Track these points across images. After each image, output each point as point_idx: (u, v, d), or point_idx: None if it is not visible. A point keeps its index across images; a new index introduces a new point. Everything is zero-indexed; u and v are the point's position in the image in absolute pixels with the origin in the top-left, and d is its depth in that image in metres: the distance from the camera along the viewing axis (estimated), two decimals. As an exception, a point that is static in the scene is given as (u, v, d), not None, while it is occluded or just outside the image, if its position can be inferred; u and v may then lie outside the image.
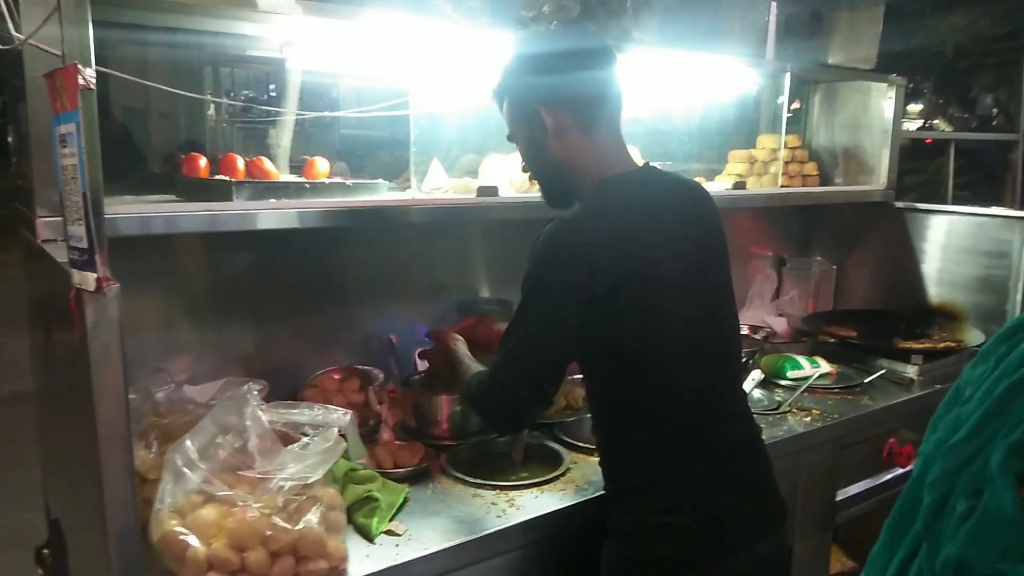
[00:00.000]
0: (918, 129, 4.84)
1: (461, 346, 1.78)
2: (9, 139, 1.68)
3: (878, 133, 2.99)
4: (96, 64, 1.09)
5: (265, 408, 1.46)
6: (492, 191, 2.00)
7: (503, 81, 1.55)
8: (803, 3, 2.76)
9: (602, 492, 1.63)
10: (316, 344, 2.15)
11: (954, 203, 3.38)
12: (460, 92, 2.07)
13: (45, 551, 1.68)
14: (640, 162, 1.59)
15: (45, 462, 1.88)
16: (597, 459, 1.63)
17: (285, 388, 1.95)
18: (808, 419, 2.15)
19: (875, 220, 3.07)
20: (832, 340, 2.72)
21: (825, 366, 2.45)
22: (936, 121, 4.98)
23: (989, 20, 4.57)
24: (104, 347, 1.10)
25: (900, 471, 2.34)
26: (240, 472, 1.36)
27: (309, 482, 1.36)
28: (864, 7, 2.82)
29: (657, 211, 1.48)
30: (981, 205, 2.91)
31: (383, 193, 1.91)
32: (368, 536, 1.47)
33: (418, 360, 2.15)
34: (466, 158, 2.24)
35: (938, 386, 2.43)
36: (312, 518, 1.32)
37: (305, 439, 1.43)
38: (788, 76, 2.65)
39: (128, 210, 1.48)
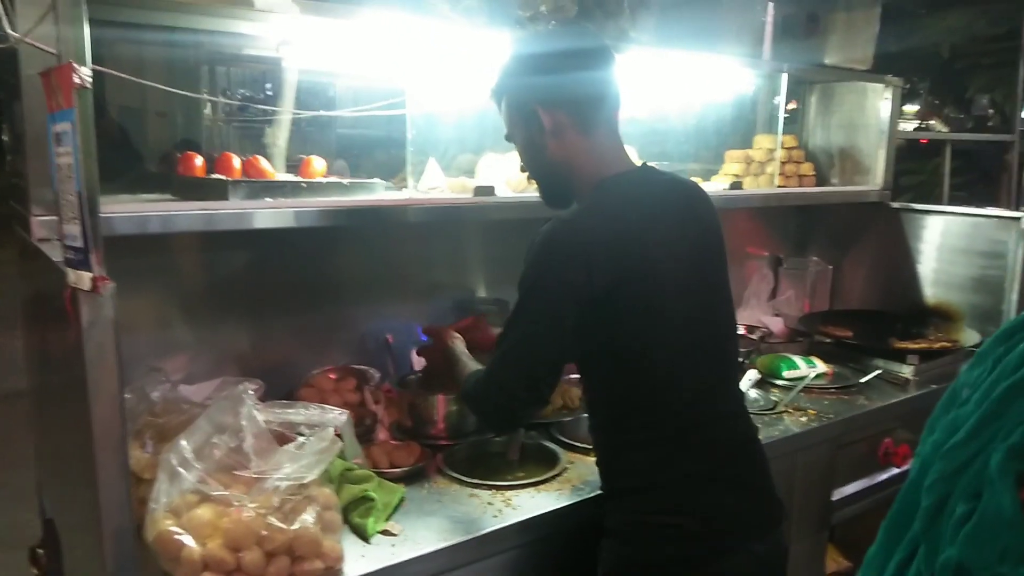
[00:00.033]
0: (914, 130, 4.85)
1: (459, 344, 1.78)
2: (4, 137, 1.67)
3: (874, 133, 3.00)
4: (92, 63, 1.09)
5: (261, 408, 1.46)
6: (489, 191, 2.00)
7: (501, 81, 1.55)
8: (800, 4, 2.76)
9: (599, 492, 1.63)
10: (312, 344, 2.15)
11: (950, 203, 3.39)
12: (457, 92, 2.07)
13: (40, 551, 1.68)
14: (638, 162, 1.59)
15: (40, 461, 1.87)
16: (593, 459, 1.63)
17: (281, 388, 1.95)
18: (804, 419, 2.15)
19: (871, 220, 3.08)
20: (828, 340, 2.72)
21: (821, 366, 2.45)
22: (932, 122, 4.99)
23: (985, 21, 4.58)
24: (99, 346, 1.10)
25: (896, 471, 2.34)
26: (236, 472, 1.36)
27: (305, 482, 1.35)
28: (860, 8, 2.83)
29: (655, 211, 1.48)
30: (977, 206, 2.92)
31: (379, 193, 1.91)
32: (364, 536, 1.47)
33: (415, 358, 2.15)
34: (463, 158, 2.24)
35: (934, 386, 2.43)
36: (308, 518, 1.32)
37: (301, 439, 1.43)
38: (785, 76, 2.65)
39: (124, 209, 1.47)
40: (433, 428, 1.92)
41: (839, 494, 2.25)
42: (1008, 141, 4.84)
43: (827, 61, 2.81)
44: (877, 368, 2.50)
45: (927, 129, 4.94)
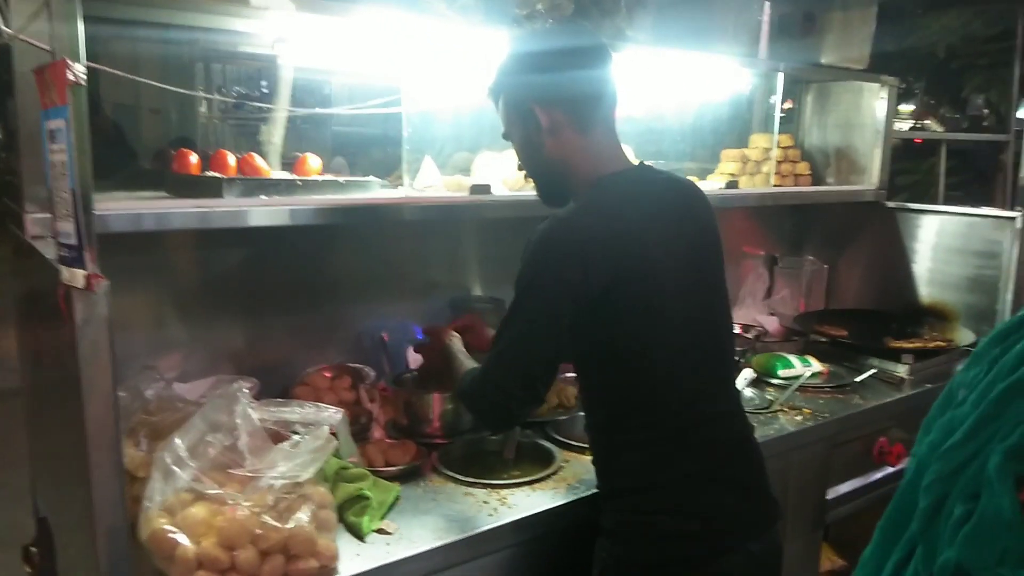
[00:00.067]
0: (909, 129, 4.86)
1: (456, 342, 1.77)
2: (-2, 134, 1.67)
3: (870, 133, 3.00)
4: (87, 59, 1.08)
5: (256, 406, 1.45)
6: (485, 189, 2.00)
7: (498, 79, 1.55)
8: (796, 3, 2.76)
9: (594, 491, 1.63)
10: (307, 342, 2.14)
11: (945, 203, 3.39)
12: (453, 90, 2.06)
13: (33, 549, 1.67)
14: (634, 161, 1.59)
15: (34, 460, 1.87)
16: (589, 458, 1.63)
17: (276, 386, 1.95)
18: (799, 418, 2.16)
19: (867, 220, 3.08)
20: (823, 339, 2.72)
21: (816, 365, 2.46)
22: (927, 121, 5.00)
23: (981, 21, 4.59)
24: (93, 344, 1.09)
25: (890, 470, 2.35)
26: (230, 470, 1.35)
27: (300, 480, 1.35)
28: (857, 7, 2.83)
29: (652, 210, 1.48)
30: (972, 205, 2.92)
31: (375, 191, 1.90)
32: (359, 535, 1.47)
33: (411, 356, 2.15)
34: (459, 156, 2.24)
35: (928, 385, 2.44)
36: (302, 517, 1.32)
37: (296, 437, 1.43)
38: (781, 76, 2.65)
39: (118, 207, 1.47)
40: (428, 426, 1.92)
41: (834, 493, 2.26)
42: (1003, 141, 4.86)
43: (823, 60, 2.82)
44: (872, 367, 2.50)
45: (922, 129, 4.95)
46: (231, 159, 1.81)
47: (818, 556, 2.34)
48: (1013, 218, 2.66)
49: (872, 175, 3.01)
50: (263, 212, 1.65)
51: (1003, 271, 2.68)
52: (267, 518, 1.29)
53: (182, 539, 1.26)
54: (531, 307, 1.41)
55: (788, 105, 3.15)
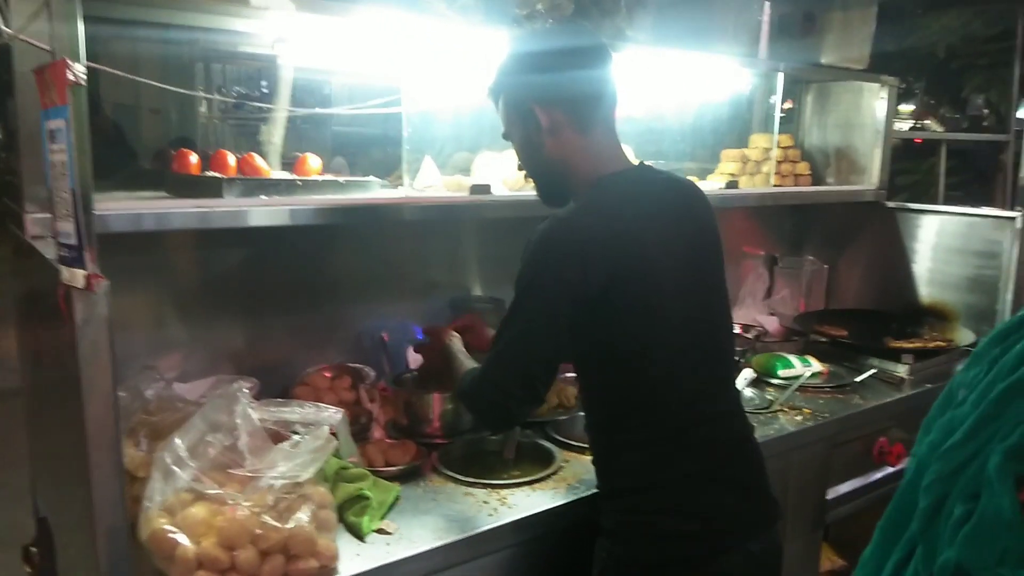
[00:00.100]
0: (909, 129, 4.86)
1: (456, 342, 1.77)
2: (-2, 134, 1.67)
3: (870, 133, 3.00)
4: (87, 59, 1.08)
5: (256, 406, 1.45)
6: (485, 189, 2.00)
7: (498, 79, 1.55)
8: (796, 3, 2.76)
9: (594, 491, 1.63)
10: (307, 342, 2.14)
11: (945, 203, 3.39)
12: (453, 90, 2.06)
13: (33, 549, 1.67)
14: (634, 161, 1.59)
15: (34, 460, 1.87)
16: (589, 458, 1.63)
17: (276, 386, 1.95)
18: (799, 418, 2.16)
19: (867, 220, 3.08)
20: (823, 339, 2.72)
21: (816, 365, 2.46)
22: (927, 121, 5.00)
23: (981, 21, 4.59)
24: (93, 344, 1.09)
25: (890, 470, 2.35)
26: (230, 470, 1.35)
27: (300, 480, 1.35)
28: (857, 7, 2.83)
29: (652, 210, 1.48)
30: (972, 205, 2.92)
31: (375, 191, 1.90)
32: (359, 535, 1.47)
33: (411, 356, 2.14)
34: (459, 156, 2.24)
35: (928, 385, 2.44)
36: (302, 517, 1.32)
37: (296, 437, 1.43)
38: (781, 76, 2.65)
39: (119, 207, 1.47)
40: (428, 426, 1.92)
41: (834, 493, 2.26)
42: (1003, 141, 4.86)
43: (823, 60, 2.82)
44: (872, 367, 2.50)
45: (922, 129, 4.95)
46: (231, 159, 1.81)
47: (818, 556, 2.34)
48: (1013, 218, 2.66)
49: (872, 175, 3.01)
50: (263, 212, 1.65)
51: (1003, 271, 2.67)
52: (267, 518, 1.29)
53: (182, 539, 1.26)
54: (531, 307, 1.41)
55: (788, 105, 3.15)
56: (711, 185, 2.61)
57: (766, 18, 2.58)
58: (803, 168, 2.98)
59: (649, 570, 1.44)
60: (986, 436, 0.74)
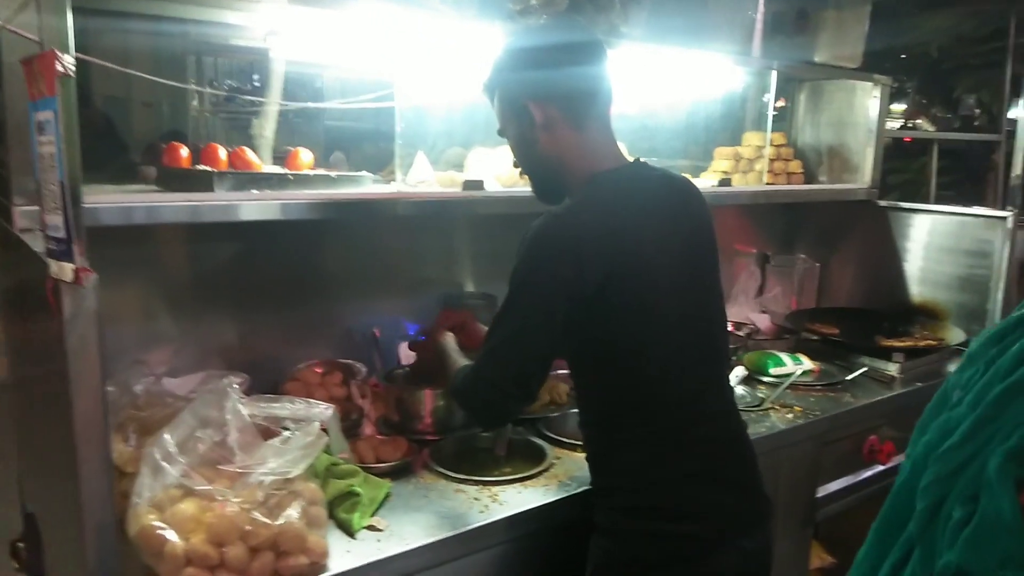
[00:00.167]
0: (899, 128, 4.88)
1: (449, 340, 1.77)
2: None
3: (863, 132, 3.01)
4: (77, 51, 1.07)
5: (246, 402, 1.44)
6: (478, 185, 1.99)
7: (493, 75, 1.54)
8: (790, 0, 2.76)
9: (586, 488, 1.62)
10: (298, 337, 2.13)
11: (937, 202, 3.41)
12: (446, 85, 2.06)
13: (20, 545, 1.66)
14: (629, 158, 1.58)
15: (21, 455, 1.85)
16: (581, 455, 1.63)
17: (266, 381, 1.94)
18: (790, 416, 2.16)
19: (858, 218, 3.09)
20: (815, 337, 2.73)
21: (807, 363, 2.46)
22: (919, 121, 5.02)
23: (973, 22, 4.60)
24: (82, 339, 1.08)
25: (881, 468, 2.35)
26: (220, 466, 1.35)
27: (290, 477, 1.34)
28: (851, 6, 2.83)
29: (647, 207, 1.48)
30: (964, 205, 2.93)
31: (367, 186, 1.89)
32: (349, 531, 1.46)
33: (403, 352, 2.14)
34: (452, 151, 2.23)
35: (919, 384, 2.44)
36: (292, 513, 1.31)
37: (286, 433, 1.42)
38: (774, 74, 2.65)
39: (108, 200, 1.46)
40: (420, 423, 1.92)
41: (824, 491, 2.26)
42: (994, 141, 4.88)
43: (817, 59, 2.82)
44: (863, 366, 2.51)
45: (914, 128, 4.97)
46: (222, 153, 1.80)
47: (808, 554, 2.34)
48: (1004, 218, 2.67)
49: (864, 174, 3.01)
50: (254, 206, 1.64)
51: (994, 270, 2.69)
52: (257, 514, 1.28)
53: (171, 535, 1.25)
54: (525, 303, 1.40)
55: (781, 103, 3.15)
56: (704, 183, 2.61)
57: (760, 15, 2.58)
58: (796, 166, 2.98)
59: (643, 567, 1.44)
60: (985, 438, 0.74)
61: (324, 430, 1.47)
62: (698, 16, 2.45)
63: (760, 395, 2.27)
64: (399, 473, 1.71)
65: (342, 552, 1.40)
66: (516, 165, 1.63)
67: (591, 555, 1.51)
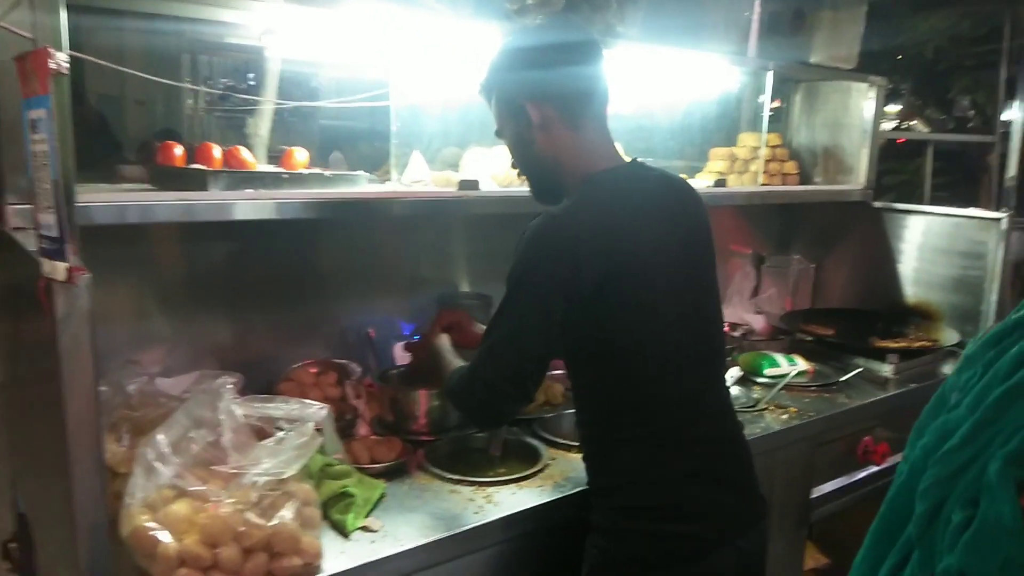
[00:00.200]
0: (893, 129, 4.88)
1: (444, 340, 1.77)
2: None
3: (858, 133, 3.01)
4: (71, 49, 1.07)
5: (239, 402, 1.44)
6: (473, 185, 1.99)
7: (489, 76, 1.54)
8: (786, 0, 2.76)
9: (581, 488, 1.62)
10: (292, 337, 2.13)
11: (931, 204, 3.41)
12: (442, 84, 2.05)
13: (12, 545, 1.65)
14: (626, 158, 1.58)
15: (13, 455, 1.84)
16: (575, 455, 1.62)
17: (260, 381, 1.93)
18: (785, 416, 2.16)
19: (853, 219, 3.10)
20: (809, 338, 2.74)
21: (802, 364, 2.46)
22: (914, 122, 5.03)
23: (968, 23, 4.61)
24: (74, 338, 1.07)
25: (875, 469, 2.36)
26: (213, 467, 1.34)
27: (284, 477, 1.34)
28: (847, 7, 2.83)
29: (645, 207, 1.48)
30: (958, 206, 2.94)
31: (363, 185, 1.89)
32: (343, 532, 1.46)
33: (398, 352, 2.13)
34: (447, 151, 2.22)
35: (913, 385, 2.45)
36: (286, 514, 1.30)
37: (280, 434, 1.42)
38: (770, 74, 2.65)
39: (102, 198, 1.45)
40: (415, 423, 1.91)
41: (818, 492, 2.26)
42: (989, 142, 4.89)
43: (812, 59, 2.82)
44: (857, 366, 2.51)
45: (908, 129, 4.98)
46: (217, 151, 1.79)
47: (802, 554, 2.35)
48: (998, 219, 2.68)
49: (859, 175, 3.02)
50: (248, 205, 1.63)
51: (988, 272, 2.69)
52: (250, 515, 1.27)
53: (164, 536, 1.24)
54: (523, 304, 1.40)
55: (777, 104, 3.15)
56: (699, 183, 2.61)
57: (756, 16, 2.58)
58: (791, 167, 2.99)
59: (640, 566, 1.44)
60: (984, 440, 0.74)
61: (318, 430, 1.47)
62: (694, 16, 2.45)
63: (755, 396, 2.27)
64: (394, 474, 1.71)
65: (336, 553, 1.39)
66: (514, 166, 1.63)
67: (587, 555, 1.50)
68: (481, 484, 1.68)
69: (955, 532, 0.72)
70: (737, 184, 2.75)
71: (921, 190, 4.81)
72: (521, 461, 1.81)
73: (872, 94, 2.94)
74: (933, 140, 4.85)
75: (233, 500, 1.29)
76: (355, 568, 1.37)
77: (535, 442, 1.89)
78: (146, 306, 1.91)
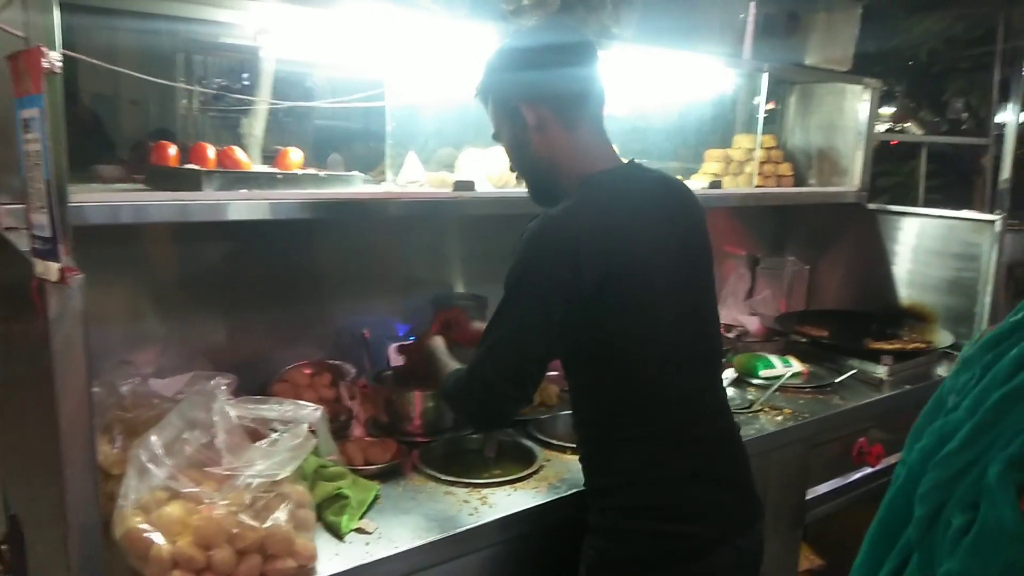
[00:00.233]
0: (886, 131, 4.90)
1: (439, 342, 1.76)
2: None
3: (852, 135, 3.02)
4: (64, 48, 1.06)
5: (233, 403, 1.44)
6: (469, 185, 1.98)
7: (485, 79, 1.54)
8: (781, 2, 2.77)
9: (576, 490, 1.62)
10: (287, 338, 2.12)
11: (925, 206, 3.43)
12: (438, 84, 2.05)
13: (3, 547, 1.64)
14: (623, 159, 1.58)
15: (5, 455, 1.83)
16: (570, 457, 1.62)
17: (254, 382, 1.93)
18: (780, 418, 2.16)
19: (848, 221, 3.10)
20: (804, 340, 2.74)
21: (797, 365, 2.47)
22: (907, 124, 5.04)
23: (963, 25, 4.63)
24: (67, 339, 1.07)
25: (869, 470, 2.36)
26: (207, 469, 1.34)
27: (277, 479, 1.33)
28: (841, 9, 2.84)
29: (642, 208, 1.48)
30: (952, 208, 2.94)
31: (357, 185, 1.88)
32: (337, 534, 1.45)
33: (393, 354, 2.13)
34: (443, 151, 2.22)
35: (907, 387, 2.45)
36: (280, 516, 1.30)
37: (274, 435, 1.41)
38: (765, 76, 2.66)
39: (95, 198, 1.44)
40: (409, 424, 1.91)
41: (813, 493, 2.27)
42: (983, 144, 4.91)
43: (807, 61, 2.83)
44: (852, 368, 2.52)
45: (902, 132, 4.99)
46: (211, 152, 1.78)
47: (797, 555, 2.35)
48: (992, 221, 2.68)
49: (854, 177, 3.02)
50: (243, 206, 1.62)
51: (982, 274, 2.70)
52: (244, 517, 1.27)
53: (157, 538, 1.24)
54: (522, 305, 1.40)
55: (771, 106, 3.16)
56: (695, 185, 2.61)
57: (751, 18, 2.58)
58: (785, 169, 2.99)
59: (639, 567, 1.44)
60: (984, 444, 0.74)
61: (312, 432, 1.46)
62: (689, 18, 2.45)
63: (750, 397, 2.27)
64: (388, 475, 1.71)
65: (330, 555, 1.39)
66: (512, 169, 1.63)
67: (585, 556, 1.50)
68: (476, 486, 1.68)
69: (955, 536, 0.72)
70: (732, 186, 2.76)
71: (915, 192, 4.83)
72: (516, 463, 1.81)
73: (866, 96, 2.95)
74: (927, 142, 4.87)
75: (227, 502, 1.28)
76: (349, 570, 1.36)
77: (530, 443, 1.89)
78: (140, 307, 1.90)
